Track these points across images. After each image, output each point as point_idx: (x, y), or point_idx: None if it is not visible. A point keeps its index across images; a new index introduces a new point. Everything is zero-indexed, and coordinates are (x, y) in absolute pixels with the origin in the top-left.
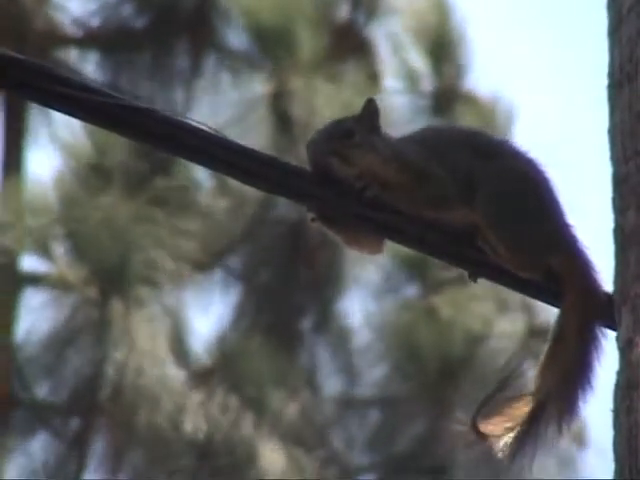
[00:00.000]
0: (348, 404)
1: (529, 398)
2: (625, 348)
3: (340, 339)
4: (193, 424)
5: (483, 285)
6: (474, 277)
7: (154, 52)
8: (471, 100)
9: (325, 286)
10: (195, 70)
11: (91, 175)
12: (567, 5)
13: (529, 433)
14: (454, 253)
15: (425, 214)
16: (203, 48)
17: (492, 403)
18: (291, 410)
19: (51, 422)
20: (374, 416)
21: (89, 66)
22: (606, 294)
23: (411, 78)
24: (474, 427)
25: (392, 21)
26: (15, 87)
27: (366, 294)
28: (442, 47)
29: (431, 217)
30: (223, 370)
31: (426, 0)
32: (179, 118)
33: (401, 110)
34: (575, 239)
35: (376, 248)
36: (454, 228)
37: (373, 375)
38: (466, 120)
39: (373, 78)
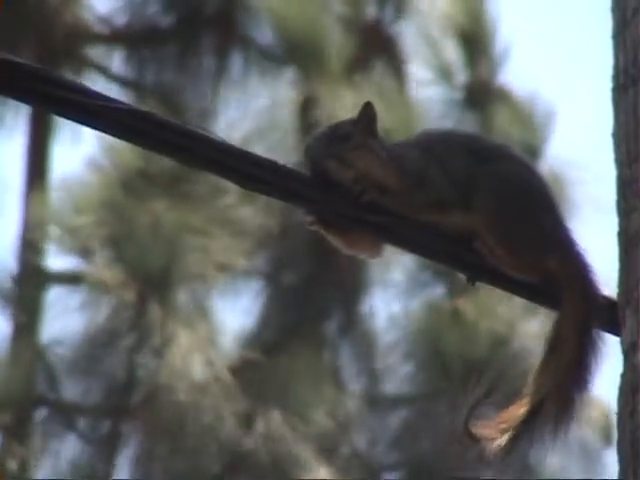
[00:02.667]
0: (373, 403)
1: (525, 400)
2: (629, 351)
3: (365, 339)
4: (226, 428)
5: None
6: (472, 280)
7: (180, 50)
8: (505, 96)
9: (351, 287)
10: (221, 68)
11: (134, 178)
12: (571, 7)
13: (525, 434)
14: (452, 256)
15: (423, 217)
16: (229, 46)
17: (487, 406)
18: (318, 410)
19: (82, 424)
20: (398, 416)
21: (115, 63)
22: (604, 297)
23: (443, 71)
24: (466, 430)
25: (423, 15)
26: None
27: (391, 295)
28: (475, 40)
29: (429, 220)
30: (254, 371)
31: None
32: (173, 121)
33: (433, 104)
34: (573, 242)
35: (374, 251)
36: (452, 231)
37: (398, 375)
38: (500, 116)
39: (401, 78)
